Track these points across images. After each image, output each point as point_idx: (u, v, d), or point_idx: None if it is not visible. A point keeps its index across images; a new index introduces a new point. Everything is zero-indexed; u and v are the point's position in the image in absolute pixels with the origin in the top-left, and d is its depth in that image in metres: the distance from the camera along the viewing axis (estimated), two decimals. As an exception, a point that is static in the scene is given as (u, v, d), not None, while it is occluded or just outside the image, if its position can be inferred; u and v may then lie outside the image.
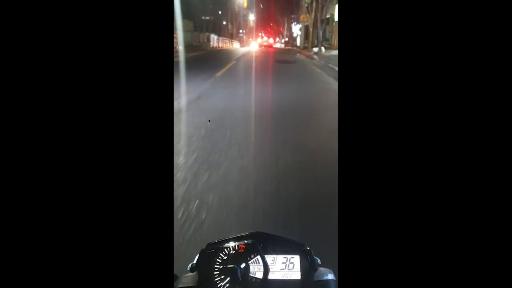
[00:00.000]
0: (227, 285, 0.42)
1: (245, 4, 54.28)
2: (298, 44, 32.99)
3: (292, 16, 37.69)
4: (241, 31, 54.04)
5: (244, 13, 46.67)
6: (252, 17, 55.61)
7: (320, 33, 15.46)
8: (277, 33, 52.22)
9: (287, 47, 35.49)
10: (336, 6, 15.68)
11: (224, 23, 35.22)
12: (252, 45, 36.80)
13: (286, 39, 43.37)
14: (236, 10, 37.16)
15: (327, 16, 17.80)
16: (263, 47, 35.79)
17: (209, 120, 3.24)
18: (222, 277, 0.41)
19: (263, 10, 53.71)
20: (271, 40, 39.98)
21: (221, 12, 33.51)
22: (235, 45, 35.62)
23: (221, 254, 0.43)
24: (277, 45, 41.68)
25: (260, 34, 60.14)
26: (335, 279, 0.44)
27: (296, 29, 32.88)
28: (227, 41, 31.85)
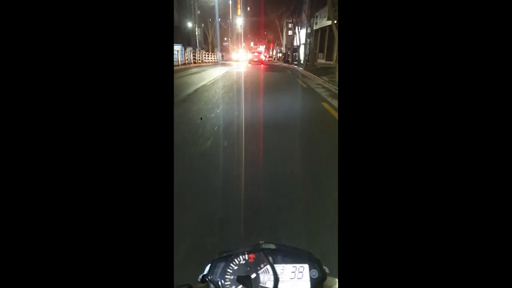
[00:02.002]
0: None
1: (239, 11, 43.59)
2: (302, 58, 22.08)
3: (290, 20, 27.11)
4: (225, 39, 43.26)
5: (222, 21, 35.63)
6: (239, 21, 44.88)
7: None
8: (270, 43, 41.52)
9: (285, 64, 24.21)
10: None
11: (190, 25, 23.52)
12: (235, 62, 25.72)
13: (280, 49, 32.53)
14: (211, 11, 25.41)
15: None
16: (253, 63, 24.68)
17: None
18: (233, 287, 0.43)
19: (251, 13, 43.12)
20: (262, 56, 28.36)
21: (185, 14, 21.69)
22: (213, 58, 24.07)
23: (231, 264, 0.44)
24: (266, 57, 30.66)
25: (251, 45, 49.36)
26: None
27: (300, 36, 21.57)
28: (199, 54, 20.22)
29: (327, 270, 0.44)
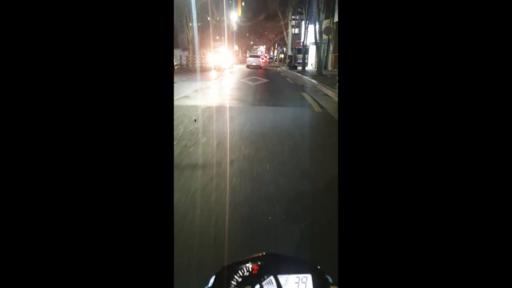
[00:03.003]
0: None
1: (239, 12, 36.95)
2: (325, 64, 14.90)
3: (295, 17, 20.30)
4: (217, 37, 36.26)
5: (219, 17, 28.73)
6: (234, 16, 37.95)
7: None
8: (270, 46, 34.69)
9: (293, 71, 17.08)
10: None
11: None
12: (224, 68, 18.77)
13: (282, 50, 25.63)
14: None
15: None
16: (251, 67, 18.71)
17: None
18: None
19: (249, 7, 36.28)
20: (262, 60, 22.99)
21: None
22: (180, 63, 16.95)
23: (235, 276, 0.44)
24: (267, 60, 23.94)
25: (243, 45, 42.54)
26: None
27: (314, 31, 14.40)
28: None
29: (330, 280, 0.44)
